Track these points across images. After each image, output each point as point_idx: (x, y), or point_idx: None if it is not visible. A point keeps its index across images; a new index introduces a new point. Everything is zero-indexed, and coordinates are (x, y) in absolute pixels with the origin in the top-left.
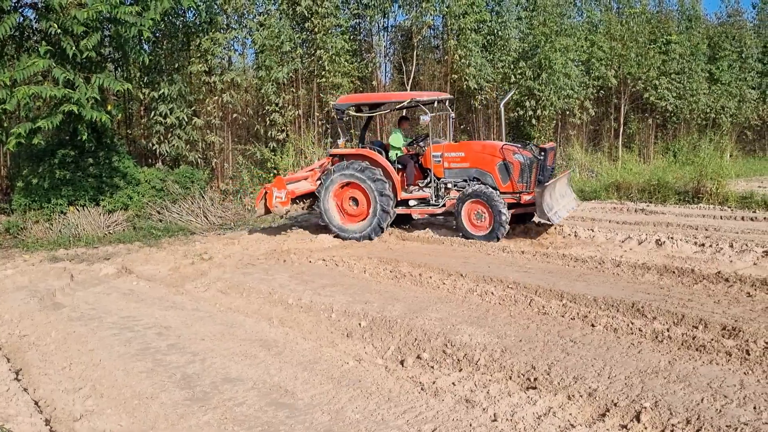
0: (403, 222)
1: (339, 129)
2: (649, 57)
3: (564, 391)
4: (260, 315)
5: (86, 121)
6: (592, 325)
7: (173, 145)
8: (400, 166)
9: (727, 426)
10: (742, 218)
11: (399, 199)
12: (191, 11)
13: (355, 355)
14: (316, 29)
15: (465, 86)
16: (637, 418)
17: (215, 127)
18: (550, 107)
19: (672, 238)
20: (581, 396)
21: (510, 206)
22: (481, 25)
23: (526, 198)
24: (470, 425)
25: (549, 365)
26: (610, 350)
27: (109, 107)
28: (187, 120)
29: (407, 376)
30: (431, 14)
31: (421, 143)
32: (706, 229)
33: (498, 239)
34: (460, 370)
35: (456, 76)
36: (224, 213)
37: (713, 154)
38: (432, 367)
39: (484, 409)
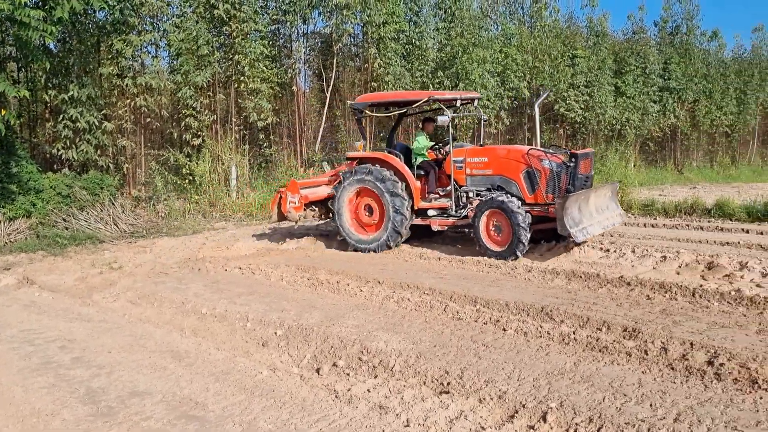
0: (424, 234)
1: (359, 130)
2: (559, 70)
3: (476, 395)
4: (172, 325)
5: None
6: (504, 330)
7: (82, 150)
8: (422, 172)
9: (625, 423)
10: (644, 225)
11: (417, 208)
12: (103, 11)
13: (270, 364)
14: (234, 33)
15: None
16: (544, 418)
17: (127, 132)
18: (467, 116)
19: (579, 244)
20: (492, 399)
21: (537, 220)
22: (401, 35)
23: (554, 210)
24: (383, 431)
25: (462, 369)
26: (520, 353)
27: (3, 113)
28: (97, 124)
29: (322, 384)
30: (351, 22)
31: (446, 147)
32: (612, 235)
33: (516, 257)
34: (376, 377)
35: (375, 84)
36: (136, 220)
37: (619, 164)
38: (348, 374)
39: (397, 415)
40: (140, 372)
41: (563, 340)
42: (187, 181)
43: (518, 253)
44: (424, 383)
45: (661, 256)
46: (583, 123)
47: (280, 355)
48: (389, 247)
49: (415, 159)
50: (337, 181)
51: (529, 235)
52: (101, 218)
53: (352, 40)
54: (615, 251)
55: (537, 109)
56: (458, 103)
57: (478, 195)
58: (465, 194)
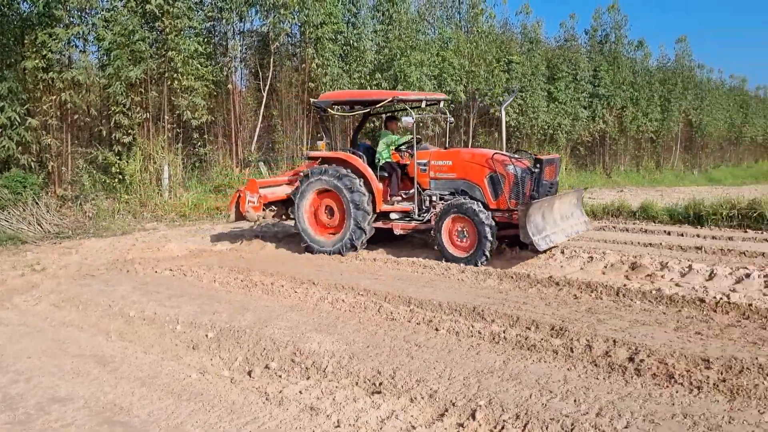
0: (386, 237)
1: (322, 129)
2: (494, 75)
3: (407, 394)
4: (97, 329)
5: None
6: (437, 330)
7: (3, 147)
8: (384, 174)
9: (551, 419)
10: None
11: (379, 210)
12: (27, 3)
13: (200, 367)
14: (167, 29)
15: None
16: (473, 416)
17: (53, 128)
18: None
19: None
20: (423, 398)
21: (501, 226)
22: (338, 36)
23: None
24: None
25: (394, 369)
26: (452, 353)
27: None
28: (20, 120)
29: (253, 386)
30: (289, 22)
31: (409, 149)
32: None
33: (477, 264)
34: (308, 378)
35: (313, 85)
36: (61, 220)
37: None
38: (280, 376)
39: (328, 416)
40: (62, 377)
41: (494, 339)
42: (116, 180)
43: (479, 262)
44: (357, 384)
45: (588, 256)
46: (518, 127)
47: (210, 358)
48: (354, 248)
49: (379, 159)
50: (297, 181)
51: (494, 244)
52: (24, 218)
53: (289, 39)
54: (545, 252)
55: (503, 112)
56: (423, 104)
57: (441, 199)
58: (428, 198)
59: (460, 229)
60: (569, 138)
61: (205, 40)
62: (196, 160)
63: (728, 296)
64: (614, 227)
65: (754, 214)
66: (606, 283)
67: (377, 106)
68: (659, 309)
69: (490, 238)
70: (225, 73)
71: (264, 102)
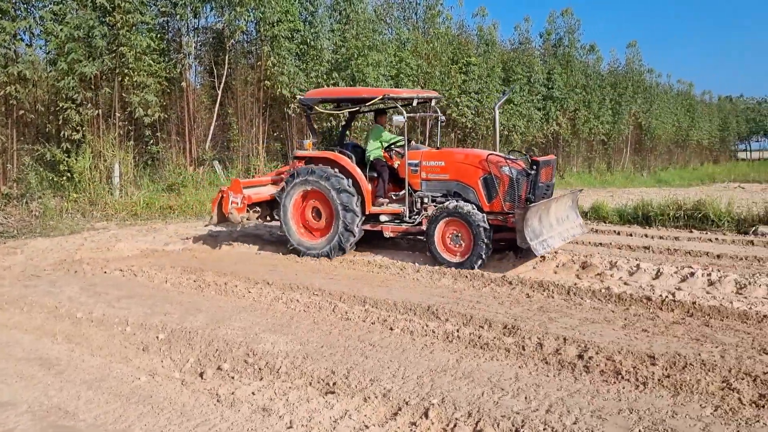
0: (375, 239)
1: (309, 128)
2: (451, 76)
3: (361, 394)
4: (42, 331)
5: None
6: (391, 329)
7: None
8: (374, 174)
9: (502, 416)
10: None
11: (369, 212)
12: None
13: (149, 369)
14: (119, 24)
15: (278, 93)
16: (426, 414)
17: None
18: (362, 118)
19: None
20: (376, 397)
21: (495, 230)
22: (295, 34)
23: (513, 220)
24: None
25: (348, 369)
26: (406, 352)
27: None
28: None
29: (204, 388)
30: (245, 19)
31: (399, 149)
32: None
33: (473, 268)
34: (261, 379)
35: (269, 83)
36: (6, 219)
37: None
38: (232, 377)
39: (280, 417)
40: (4, 381)
41: (447, 338)
42: (65, 178)
43: (475, 266)
44: (310, 384)
45: (540, 256)
46: (474, 128)
47: (161, 359)
48: (343, 250)
49: (368, 157)
50: (283, 182)
51: (490, 248)
52: None
53: (245, 37)
54: (498, 252)
55: (497, 111)
56: (415, 102)
57: (433, 201)
58: (420, 200)
59: (454, 232)
60: (523, 139)
61: (159, 36)
62: (148, 158)
63: (673, 294)
64: None
65: (699, 215)
66: (557, 282)
67: (367, 104)
68: (608, 307)
69: (486, 241)
70: (179, 70)
71: (219, 100)
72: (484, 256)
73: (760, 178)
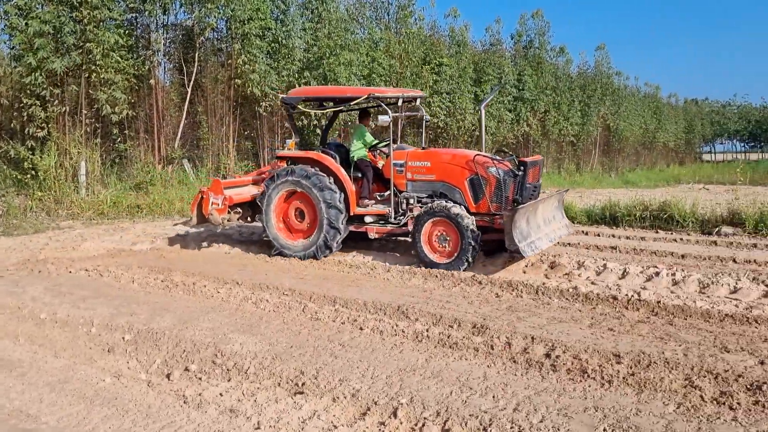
0: (348, 239)
1: (291, 127)
2: (422, 76)
3: (330, 394)
4: (4, 333)
5: None
6: (361, 329)
7: None
8: (358, 174)
9: (470, 415)
10: None
11: (353, 213)
12: None
13: (115, 371)
14: (86, 20)
15: (249, 92)
16: (395, 414)
17: None
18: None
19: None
20: (345, 397)
21: (482, 231)
22: (266, 32)
23: (501, 222)
24: None
25: (317, 369)
26: (375, 351)
27: None
28: None
29: (171, 389)
30: (215, 16)
31: (385, 148)
32: None
33: (459, 269)
34: (229, 380)
35: (240, 81)
36: None
37: None
38: (200, 378)
39: (248, 418)
40: None
41: (417, 337)
42: (29, 176)
43: (461, 267)
44: (279, 384)
45: (509, 256)
46: (445, 128)
47: (127, 361)
48: (329, 249)
49: (353, 157)
50: (269, 180)
51: (477, 249)
52: None
53: (215, 34)
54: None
55: (483, 110)
56: (400, 102)
57: (419, 202)
58: (405, 200)
59: (440, 233)
60: (494, 140)
61: (127, 32)
62: (115, 156)
63: (639, 294)
64: None
65: (665, 216)
66: (526, 281)
67: (351, 103)
68: (575, 306)
69: (473, 243)
70: (147, 67)
71: (189, 98)
72: (471, 258)
73: (724, 179)
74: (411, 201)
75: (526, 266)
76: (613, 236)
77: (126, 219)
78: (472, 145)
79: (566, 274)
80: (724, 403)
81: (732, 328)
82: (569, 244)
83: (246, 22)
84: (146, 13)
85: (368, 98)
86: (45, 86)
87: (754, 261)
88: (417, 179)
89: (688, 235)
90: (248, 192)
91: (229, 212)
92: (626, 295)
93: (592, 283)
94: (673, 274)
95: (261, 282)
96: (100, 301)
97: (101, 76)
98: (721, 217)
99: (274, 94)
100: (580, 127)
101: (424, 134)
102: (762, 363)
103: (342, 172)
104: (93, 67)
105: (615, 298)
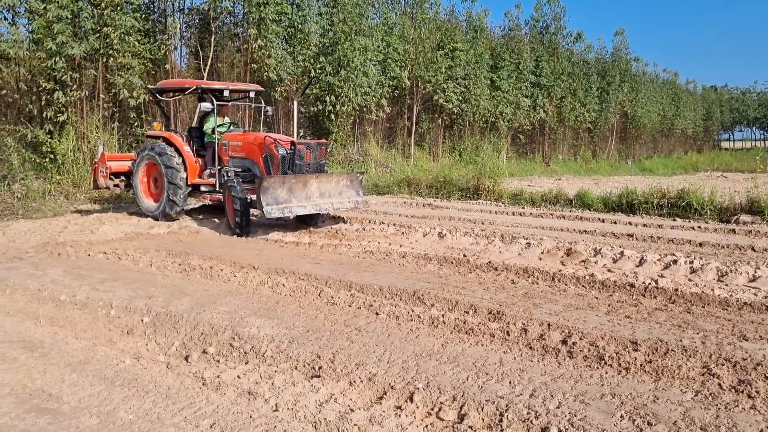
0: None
1: (160, 111)
2: (436, 61)
3: (346, 378)
4: (25, 314)
5: None
6: (377, 314)
7: None
8: (203, 152)
9: (486, 400)
10: (513, 213)
11: (191, 183)
12: None
13: (134, 353)
14: (103, 4)
15: (265, 77)
16: (411, 398)
17: None
18: (348, 103)
19: (452, 231)
20: (362, 381)
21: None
22: (282, 17)
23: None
24: (250, 417)
25: (334, 353)
26: (391, 336)
27: None
28: None
29: (190, 371)
30: (231, 0)
31: (221, 130)
32: (483, 223)
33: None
34: (247, 363)
35: (256, 66)
36: None
37: (492, 156)
38: (218, 361)
39: (266, 400)
40: None
41: (433, 323)
42: (48, 159)
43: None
44: (296, 368)
45: (526, 243)
46: (460, 114)
47: (146, 343)
48: (170, 216)
49: (208, 137)
50: (138, 154)
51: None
52: None
53: (231, 19)
54: (485, 238)
55: (296, 103)
56: (226, 93)
57: (237, 175)
58: (226, 173)
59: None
60: (510, 126)
61: (143, 16)
62: (133, 141)
63: (656, 281)
64: (551, 214)
65: (683, 204)
66: (542, 268)
67: (185, 93)
68: (592, 294)
69: (240, 208)
70: (163, 52)
71: None
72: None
73: (743, 167)
74: (230, 174)
75: (542, 253)
76: (630, 224)
77: None
78: (488, 131)
79: (583, 261)
80: (742, 392)
81: (750, 316)
82: (585, 231)
83: (263, 6)
84: None
85: (196, 89)
86: (65, 71)
87: None
88: (234, 156)
89: (706, 223)
90: (127, 164)
91: (111, 179)
92: (643, 282)
93: (609, 270)
94: (691, 262)
95: (277, 266)
96: (118, 284)
97: (118, 61)
98: (739, 205)
99: (291, 79)
100: (597, 114)
101: (261, 122)
102: None
103: (185, 150)
104: (111, 51)
105: (632, 285)
